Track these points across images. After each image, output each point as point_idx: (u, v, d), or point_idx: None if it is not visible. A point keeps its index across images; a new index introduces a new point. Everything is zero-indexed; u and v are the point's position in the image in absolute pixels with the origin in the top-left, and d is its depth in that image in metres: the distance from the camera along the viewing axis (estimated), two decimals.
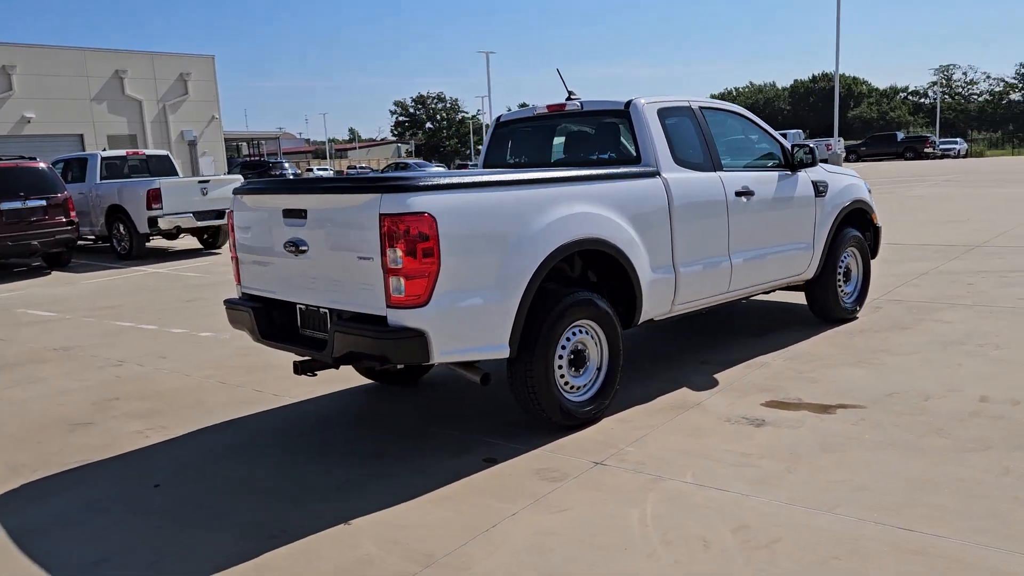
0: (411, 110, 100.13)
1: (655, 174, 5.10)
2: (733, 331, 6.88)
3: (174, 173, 16.38)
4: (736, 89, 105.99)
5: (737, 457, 4.16)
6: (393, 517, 3.71)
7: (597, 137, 5.65)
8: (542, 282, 4.35)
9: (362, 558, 3.36)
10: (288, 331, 4.77)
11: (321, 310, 4.49)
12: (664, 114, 5.36)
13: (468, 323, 4.12)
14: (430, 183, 4.01)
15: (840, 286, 6.78)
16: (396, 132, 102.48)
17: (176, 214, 14.35)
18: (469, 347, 4.16)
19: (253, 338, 4.88)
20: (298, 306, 4.67)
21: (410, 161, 50.12)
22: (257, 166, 37.86)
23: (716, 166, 5.55)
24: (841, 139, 38.47)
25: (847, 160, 41.14)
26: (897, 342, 6.19)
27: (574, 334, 4.62)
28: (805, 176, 6.31)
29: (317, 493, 4.02)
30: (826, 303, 6.74)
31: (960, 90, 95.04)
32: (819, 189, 6.40)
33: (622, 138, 5.40)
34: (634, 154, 5.26)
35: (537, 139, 6.04)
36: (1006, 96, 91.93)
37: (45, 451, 4.84)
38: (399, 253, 3.90)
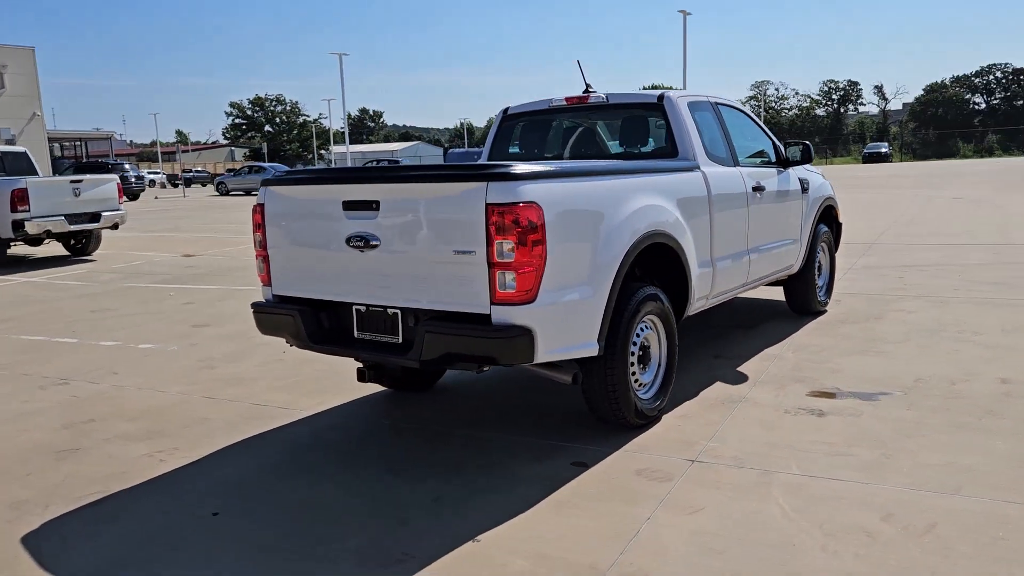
0: (249, 112, 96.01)
1: (696, 168, 5.07)
2: (722, 325, 6.97)
3: (34, 172, 14.77)
4: None
5: (825, 447, 4.17)
6: (520, 530, 3.43)
7: (625, 131, 5.55)
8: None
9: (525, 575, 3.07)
10: (341, 335, 4.34)
11: (389, 311, 4.11)
12: (692, 108, 5.34)
13: (568, 320, 3.90)
14: (533, 171, 3.75)
15: (815, 279, 7.03)
16: (230, 135, 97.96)
17: (45, 217, 12.92)
18: (567, 345, 3.94)
19: (298, 344, 4.40)
20: (355, 307, 4.25)
21: (265, 164, 47.95)
22: (93, 168, 34.82)
23: (736, 161, 5.60)
24: None
25: None
26: (882, 331, 6.48)
27: (642, 330, 4.49)
28: (794, 173, 6.49)
29: (415, 510, 3.66)
30: (806, 297, 6.97)
31: (774, 104, 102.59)
32: (804, 186, 6.61)
33: (653, 132, 5.33)
34: (668, 148, 5.20)
35: (551, 132, 5.86)
36: (812, 111, 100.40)
37: (43, 484, 4.15)
38: (509, 245, 3.62)
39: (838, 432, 4.36)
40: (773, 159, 6.37)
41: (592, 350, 4.07)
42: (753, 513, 3.49)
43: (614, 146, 5.61)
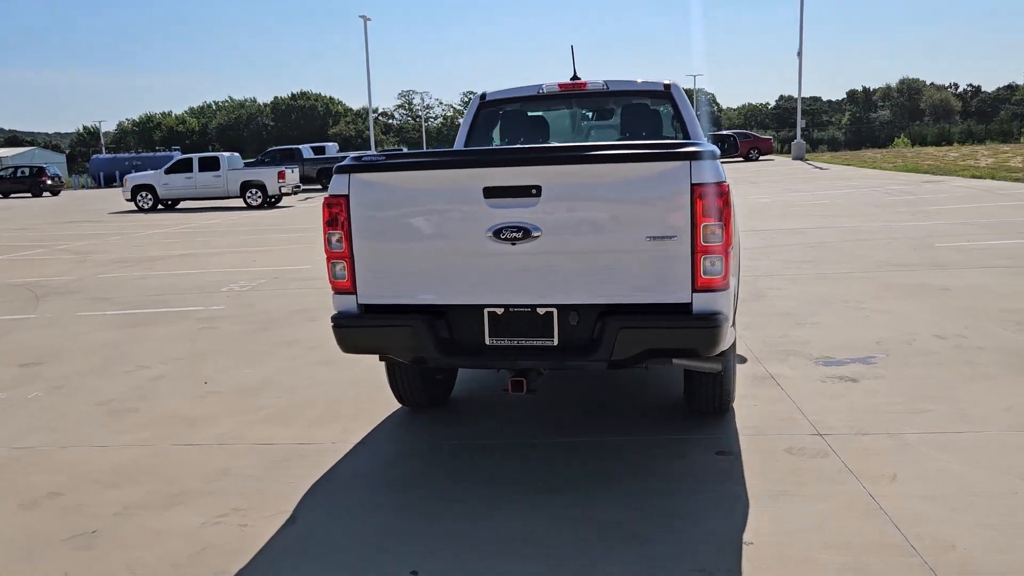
0: None
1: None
2: None
3: None
4: (216, 103, 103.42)
5: (900, 407, 4.50)
6: (771, 534, 3.24)
7: (628, 119, 5.43)
8: None
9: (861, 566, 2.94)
10: (467, 344, 3.74)
11: (540, 310, 3.63)
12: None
13: (733, 306, 3.78)
14: (707, 148, 3.55)
15: None
16: None
17: None
18: (732, 334, 3.81)
19: (411, 360, 3.73)
20: (487, 310, 3.68)
21: None
22: None
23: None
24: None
25: None
26: (783, 307, 7.12)
27: None
28: None
29: (647, 532, 3.31)
30: None
31: (420, 113, 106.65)
32: None
33: (658, 121, 5.32)
34: (681, 137, 5.23)
35: (536, 120, 5.55)
36: (456, 120, 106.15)
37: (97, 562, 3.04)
38: (715, 227, 3.41)
39: (897, 392, 4.72)
40: None
41: (734, 335, 3.98)
42: (942, 472, 3.67)
43: (613, 135, 5.48)
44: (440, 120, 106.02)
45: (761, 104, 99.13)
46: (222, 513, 3.60)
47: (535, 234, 3.50)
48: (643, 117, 5.41)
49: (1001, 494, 3.42)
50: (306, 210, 22.69)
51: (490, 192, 3.53)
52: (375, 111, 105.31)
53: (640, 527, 3.30)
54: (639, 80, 5.34)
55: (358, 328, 3.76)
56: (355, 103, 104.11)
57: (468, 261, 3.62)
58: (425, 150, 3.90)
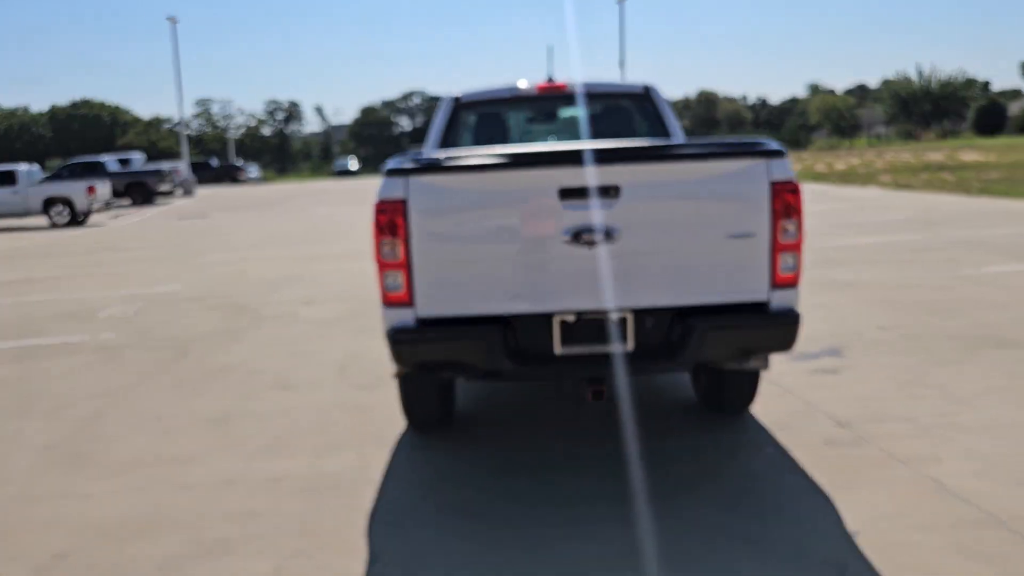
0: None
1: None
2: None
3: None
4: None
5: (901, 393, 4.79)
6: (865, 522, 3.34)
7: (606, 121, 5.38)
8: None
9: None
10: (535, 355, 3.55)
11: (614, 315, 3.51)
12: None
13: None
14: (780, 147, 3.57)
15: None
16: None
17: None
18: None
19: (498, 375, 3.49)
20: (557, 318, 3.52)
21: None
22: None
23: None
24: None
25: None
26: None
27: None
28: None
29: (742, 540, 3.29)
30: None
31: (220, 123, 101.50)
32: None
33: (637, 122, 5.33)
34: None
35: (513, 122, 5.38)
36: (259, 131, 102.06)
37: None
38: (793, 225, 3.46)
39: (876, 382, 5.01)
40: None
41: None
42: (974, 451, 3.93)
43: (593, 136, 5.41)
44: (243, 130, 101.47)
45: None
46: (288, 555, 3.20)
47: (614, 235, 3.39)
48: (623, 118, 5.40)
49: None
50: (126, 228, 20.87)
51: (567, 193, 3.38)
52: (167, 120, 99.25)
53: (742, 528, 3.29)
54: (617, 81, 5.35)
55: (425, 342, 3.47)
56: (145, 112, 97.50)
57: (539, 266, 3.45)
58: (509, 151, 3.60)
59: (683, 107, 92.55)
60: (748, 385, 4.30)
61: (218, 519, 3.56)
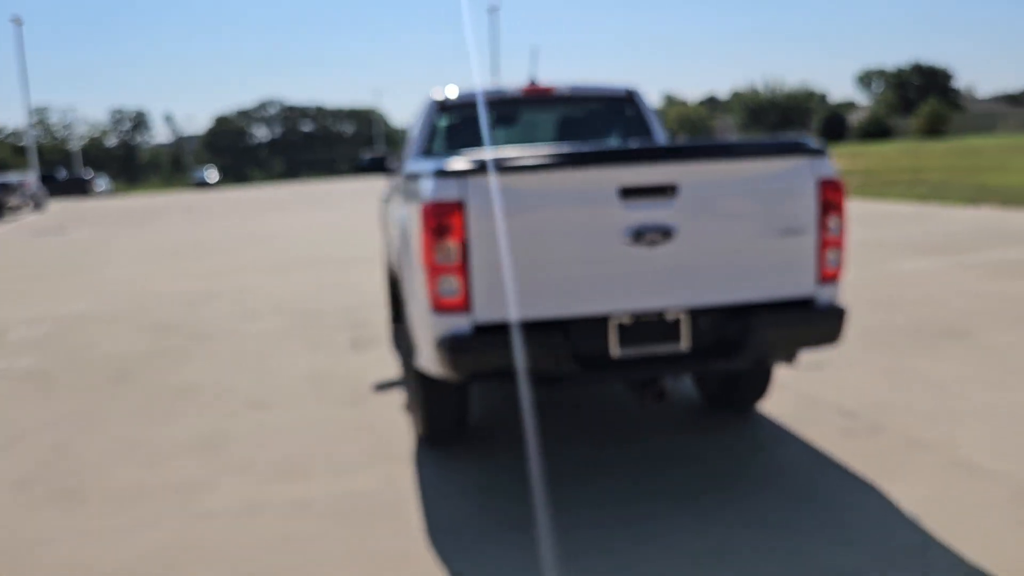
0: None
1: None
2: None
3: None
4: None
5: (887, 381, 5.02)
6: (919, 505, 3.47)
7: (590, 124, 5.35)
8: None
9: None
10: (596, 357, 3.48)
11: (669, 315, 3.50)
12: None
13: None
14: (823, 145, 3.68)
15: None
16: None
17: None
18: None
19: (562, 379, 3.37)
20: (614, 320, 3.46)
21: None
22: None
23: None
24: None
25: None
26: None
27: None
28: None
29: (814, 531, 3.35)
30: None
31: (59, 132, 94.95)
32: None
33: (621, 125, 5.34)
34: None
35: (498, 125, 5.27)
36: (103, 141, 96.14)
37: None
38: (836, 221, 3.56)
39: (859, 372, 5.24)
40: None
41: None
42: (991, 432, 4.14)
43: (580, 138, 5.36)
44: (86, 140, 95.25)
45: None
46: None
47: (672, 233, 3.38)
48: (608, 121, 5.41)
49: None
50: None
51: (627, 192, 3.34)
52: (1, 131, 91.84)
53: (811, 520, 3.33)
54: (601, 84, 5.35)
55: (487, 349, 3.33)
56: None
57: (598, 267, 3.39)
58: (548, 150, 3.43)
59: None
60: (762, 381, 4.39)
61: (259, 552, 3.27)
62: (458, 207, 3.26)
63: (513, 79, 5.97)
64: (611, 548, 3.17)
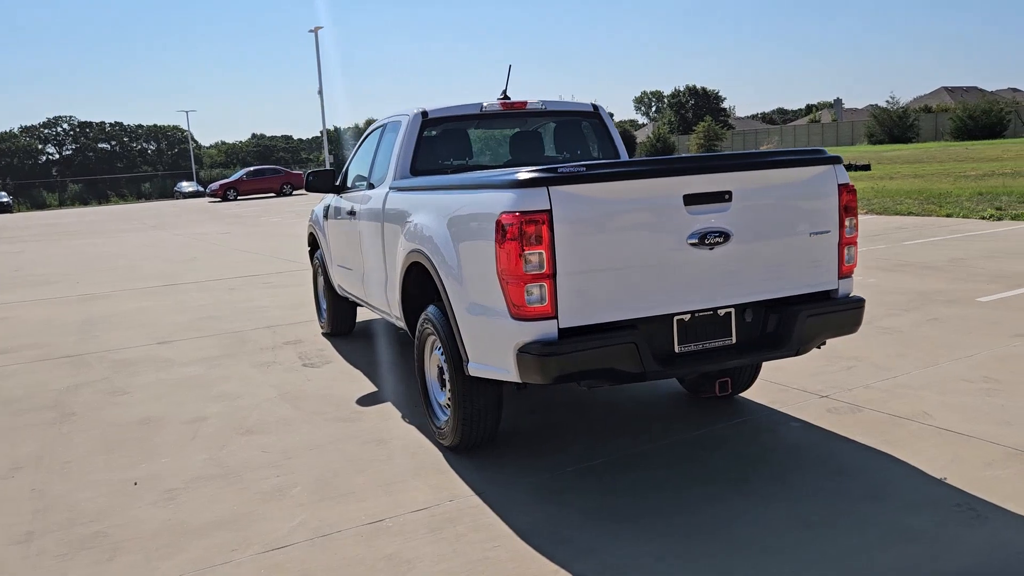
0: None
1: None
2: None
3: None
4: None
5: (847, 363, 5.56)
6: (934, 470, 3.94)
7: (559, 138, 5.56)
8: None
9: None
10: (663, 354, 3.69)
11: (720, 311, 3.78)
12: None
13: None
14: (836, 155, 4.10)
15: None
16: None
17: None
18: None
19: (644, 377, 3.53)
20: (676, 318, 3.69)
21: None
22: None
23: None
24: None
25: None
26: None
27: None
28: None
29: (852, 510, 3.73)
30: None
31: None
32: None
33: (590, 137, 5.59)
34: (612, 154, 5.60)
35: (477, 138, 5.35)
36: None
37: None
38: (853, 221, 4.00)
39: (811, 360, 5.72)
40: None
41: None
42: (958, 403, 4.72)
43: (551, 150, 5.55)
44: None
45: (238, 142, 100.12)
46: None
47: (728, 237, 3.67)
48: (575, 134, 5.66)
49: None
50: None
51: (690, 199, 3.59)
52: None
53: (857, 489, 3.69)
54: (569, 100, 5.59)
55: (576, 352, 3.45)
56: None
57: (666, 269, 3.62)
58: (638, 159, 3.48)
59: None
60: (755, 370, 4.79)
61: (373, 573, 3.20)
62: (545, 216, 3.37)
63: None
64: (713, 530, 3.38)
